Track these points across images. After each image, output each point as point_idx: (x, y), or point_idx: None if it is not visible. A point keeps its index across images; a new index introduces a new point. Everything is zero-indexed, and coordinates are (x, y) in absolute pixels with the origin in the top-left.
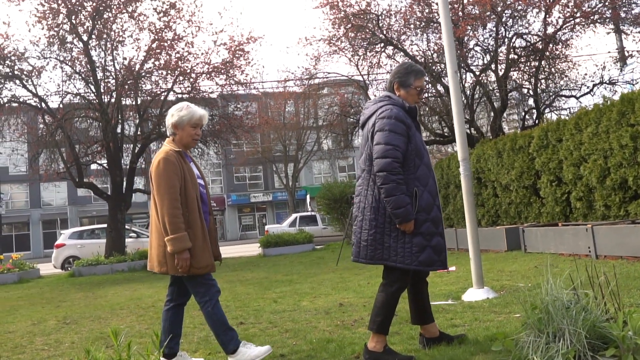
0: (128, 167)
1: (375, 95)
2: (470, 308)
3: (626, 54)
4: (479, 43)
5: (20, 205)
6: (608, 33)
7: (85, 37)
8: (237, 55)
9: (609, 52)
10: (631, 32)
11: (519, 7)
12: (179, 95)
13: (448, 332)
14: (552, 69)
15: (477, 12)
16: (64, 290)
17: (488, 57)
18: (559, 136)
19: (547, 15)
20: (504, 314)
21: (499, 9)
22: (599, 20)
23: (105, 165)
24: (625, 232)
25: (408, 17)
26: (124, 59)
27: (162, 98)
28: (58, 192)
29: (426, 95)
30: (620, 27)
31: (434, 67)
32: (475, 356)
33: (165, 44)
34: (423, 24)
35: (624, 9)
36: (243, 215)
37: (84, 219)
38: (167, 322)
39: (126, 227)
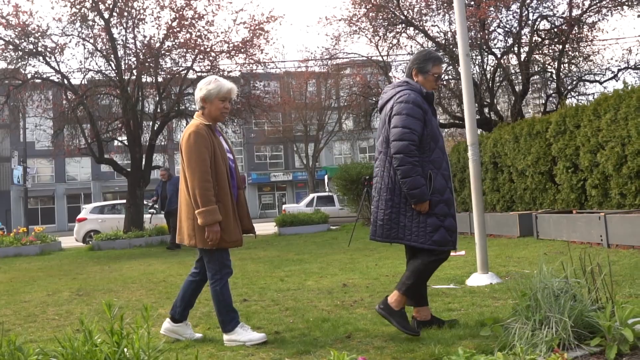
0: (147, 144)
1: (395, 77)
2: (471, 293)
3: None
4: (500, 25)
5: (45, 179)
6: (639, 16)
7: (106, 15)
8: (257, 34)
9: (638, 36)
10: None
11: None
12: (199, 74)
13: (443, 316)
14: (577, 53)
15: None
16: (82, 263)
17: (510, 40)
18: (577, 122)
19: None
20: (502, 300)
21: None
22: (627, 3)
23: (125, 142)
24: (638, 222)
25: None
26: (145, 37)
27: (182, 76)
28: (82, 168)
29: (446, 77)
30: None
31: (455, 49)
32: (463, 341)
33: (186, 22)
34: (445, 4)
35: None
36: (263, 194)
37: (107, 194)
38: (187, 292)
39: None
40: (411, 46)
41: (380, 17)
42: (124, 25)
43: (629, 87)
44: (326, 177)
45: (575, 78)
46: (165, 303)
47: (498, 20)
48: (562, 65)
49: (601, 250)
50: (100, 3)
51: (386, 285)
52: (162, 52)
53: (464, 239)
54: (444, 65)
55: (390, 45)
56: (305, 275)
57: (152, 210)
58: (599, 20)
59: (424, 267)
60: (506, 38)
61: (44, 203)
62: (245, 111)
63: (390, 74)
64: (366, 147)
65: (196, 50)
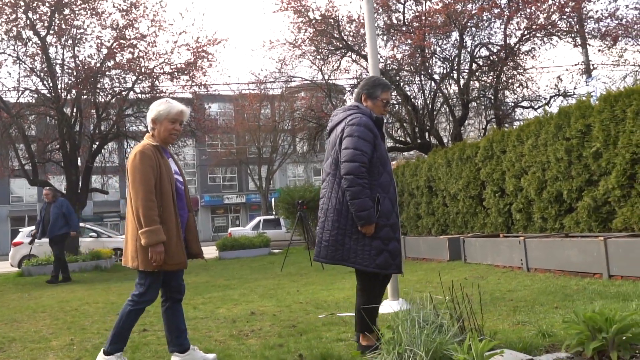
0: (84, 166)
1: (338, 101)
2: None
3: (591, 67)
4: (437, 53)
5: None
6: (575, 46)
7: (43, 32)
8: (200, 57)
9: (571, 64)
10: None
11: (483, 17)
12: (139, 95)
13: (331, 346)
14: (511, 81)
15: (440, 20)
16: (2, 290)
17: (449, 66)
18: (503, 147)
19: (507, 26)
20: None
21: (463, 19)
22: (556, 33)
23: (61, 163)
24: (553, 246)
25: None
26: (86, 57)
27: (122, 97)
28: (28, 189)
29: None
30: (582, 40)
31: (393, 75)
32: None
33: (127, 43)
34: (384, 30)
35: (585, 22)
36: (216, 217)
37: None
38: (168, 322)
39: (87, 226)
40: (356, 69)
41: (324, 41)
42: (62, 44)
43: (548, 114)
44: (273, 200)
45: (511, 104)
46: (64, 334)
47: (438, 47)
48: (498, 92)
49: (519, 274)
50: (37, 21)
51: (294, 313)
52: (102, 71)
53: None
54: (392, 92)
55: (333, 68)
56: (222, 303)
57: (30, 238)
58: (532, 48)
59: (371, 295)
60: (445, 64)
61: None
62: (184, 134)
63: (333, 97)
64: (320, 169)
65: (137, 71)
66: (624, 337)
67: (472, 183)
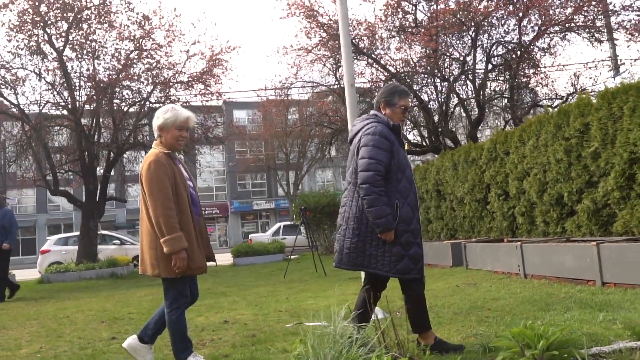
0: (102, 175)
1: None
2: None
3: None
4: (448, 54)
5: (29, 210)
6: (596, 41)
7: (59, 44)
8: (215, 64)
9: (591, 60)
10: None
11: (498, 15)
12: (154, 105)
13: (273, 357)
14: (527, 80)
15: (452, 20)
16: (17, 298)
17: (465, 67)
18: (507, 149)
19: (521, 23)
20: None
21: (476, 18)
22: (575, 29)
23: (80, 173)
24: (549, 251)
25: (374, 28)
26: (104, 69)
27: (138, 108)
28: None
29: None
30: (596, 35)
31: (407, 78)
32: None
33: (144, 53)
34: (394, 34)
35: (599, 16)
36: (246, 223)
37: (51, 227)
38: (160, 317)
39: (112, 233)
40: (371, 72)
41: (336, 45)
42: (80, 57)
43: (549, 113)
44: (293, 206)
45: (529, 103)
46: (38, 342)
47: (452, 48)
48: (514, 91)
49: (515, 280)
50: (57, 37)
51: (266, 322)
52: (120, 82)
53: None
54: (411, 98)
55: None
56: (206, 310)
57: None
58: (549, 46)
59: (415, 303)
60: (457, 64)
61: (27, 233)
62: (198, 141)
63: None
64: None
65: (153, 82)
66: (553, 354)
67: (478, 186)
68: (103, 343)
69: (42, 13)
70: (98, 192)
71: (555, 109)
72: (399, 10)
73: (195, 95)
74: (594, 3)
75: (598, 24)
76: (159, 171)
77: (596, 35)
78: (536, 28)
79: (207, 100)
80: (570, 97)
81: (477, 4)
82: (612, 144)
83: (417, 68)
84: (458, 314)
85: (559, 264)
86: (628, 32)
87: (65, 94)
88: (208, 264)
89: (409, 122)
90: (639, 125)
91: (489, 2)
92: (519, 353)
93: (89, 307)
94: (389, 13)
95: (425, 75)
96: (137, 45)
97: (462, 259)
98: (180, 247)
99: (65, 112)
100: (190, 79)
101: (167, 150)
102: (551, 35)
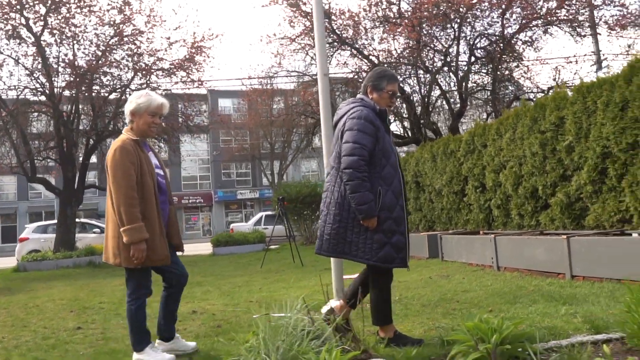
0: (81, 163)
1: (338, 95)
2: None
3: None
4: (430, 45)
5: (10, 197)
6: (581, 35)
7: (38, 29)
8: (198, 52)
9: (572, 55)
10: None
11: (482, 7)
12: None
13: (227, 348)
14: (509, 73)
15: (434, 12)
16: None
17: (447, 58)
18: (484, 141)
19: (504, 16)
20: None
21: (460, 9)
22: (555, 22)
23: (58, 160)
24: (522, 244)
25: (359, 18)
26: (85, 54)
27: (119, 95)
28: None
29: None
30: (577, 29)
31: (390, 69)
32: None
33: (125, 39)
34: (377, 24)
35: (582, 11)
36: (230, 212)
37: (32, 214)
38: (165, 308)
39: (92, 221)
40: (355, 63)
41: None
42: (59, 42)
43: (526, 106)
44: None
45: (510, 96)
46: (2, 331)
47: (435, 39)
48: (496, 84)
49: (488, 273)
50: (37, 20)
51: (235, 312)
52: (100, 68)
53: None
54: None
55: (328, 61)
56: None
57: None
58: (532, 39)
59: (379, 291)
60: (439, 56)
61: (6, 221)
62: (178, 130)
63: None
64: None
65: (134, 67)
66: (506, 348)
67: (455, 178)
68: (67, 333)
69: None
70: (77, 179)
71: (533, 102)
72: (384, 0)
73: (177, 83)
74: None
75: (580, 18)
76: (124, 158)
77: (578, 29)
78: (520, 20)
79: (188, 88)
80: (552, 91)
81: None
82: (586, 138)
83: (400, 59)
84: (426, 306)
85: (531, 257)
86: (609, 27)
87: (44, 79)
88: (178, 253)
89: (391, 114)
90: (612, 120)
91: None
92: (473, 347)
93: (61, 296)
94: (373, 3)
95: (409, 67)
96: (118, 30)
97: (438, 250)
98: (139, 237)
99: (43, 98)
100: (172, 66)
101: (136, 137)
102: (534, 29)
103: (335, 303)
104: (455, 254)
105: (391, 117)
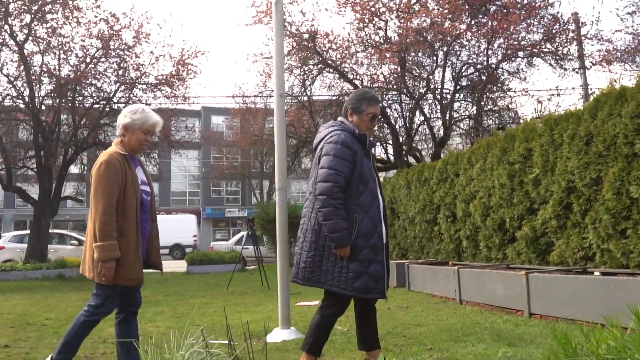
0: (58, 173)
1: (321, 118)
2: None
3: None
4: (417, 72)
5: None
6: (564, 68)
7: (21, 40)
8: (184, 68)
9: (555, 88)
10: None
11: (468, 35)
12: (119, 105)
13: None
14: (492, 103)
15: (420, 38)
16: None
17: (430, 85)
18: (457, 170)
19: (488, 48)
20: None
21: (449, 39)
22: (539, 54)
23: (35, 170)
24: (483, 278)
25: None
26: (70, 65)
27: (101, 107)
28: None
29: None
30: (560, 62)
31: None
32: None
33: (113, 53)
34: (364, 48)
35: (566, 45)
36: (218, 230)
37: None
38: (120, 335)
39: (71, 233)
40: (342, 87)
41: (306, 55)
42: (44, 52)
43: (497, 136)
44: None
45: (492, 126)
46: None
47: (420, 66)
48: (481, 113)
49: (448, 306)
50: (21, 28)
51: (174, 337)
52: (84, 78)
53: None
54: (380, 106)
55: (311, 82)
56: None
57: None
58: (518, 70)
59: (325, 320)
60: (421, 83)
61: None
62: (163, 146)
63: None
64: None
65: (118, 80)
66: None
67: (428, 206)
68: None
69: (5, 2)
70: (53, 190)
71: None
72: (372, 25)
73: (159, 98)
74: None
75: (564, 50)
76: (108, 173)
77: (560, 62)
78: (503, 50)
79: (172, 104)
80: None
81: (446, 23)
82: (552, 171)
83: (387, 85)
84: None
85: (492, 292)
86: (593, 63)
87: (24, 88)
88: (155, 271)
89: (374, 138)
90: (577, 154)
91: (460, 23)
92: None
93: (11, 310)
94: (361, 27)
95: (394, 92)
96: (105, 44)
97: (405, 280)
98: (109, 256)
99: (22, 105)
100: (156, 81)
101: (125, 152)
102: (518, 60)
103: (281, 332)
104: (420, 285)
105: (376, 142)
